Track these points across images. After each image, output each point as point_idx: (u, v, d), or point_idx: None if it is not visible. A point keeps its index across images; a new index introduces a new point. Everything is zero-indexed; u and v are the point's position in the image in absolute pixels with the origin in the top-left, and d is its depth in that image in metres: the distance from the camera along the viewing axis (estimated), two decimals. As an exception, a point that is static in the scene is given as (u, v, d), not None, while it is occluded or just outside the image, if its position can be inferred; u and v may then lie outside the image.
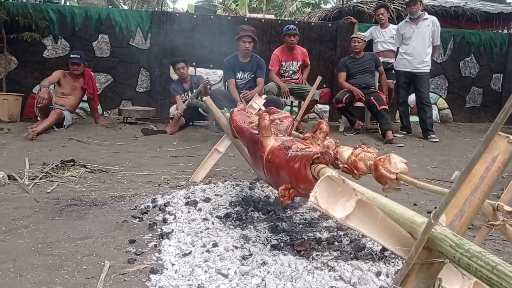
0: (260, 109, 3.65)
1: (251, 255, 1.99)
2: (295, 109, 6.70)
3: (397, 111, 6.68)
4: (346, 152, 2.01)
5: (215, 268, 1.89)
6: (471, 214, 1.24)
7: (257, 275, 1.83)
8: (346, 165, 2.05)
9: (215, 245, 2.11)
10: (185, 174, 3.74)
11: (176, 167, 4.04)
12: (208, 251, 2.05)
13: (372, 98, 5.88)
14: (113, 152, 4.63)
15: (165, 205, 2.76)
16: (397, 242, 1.22)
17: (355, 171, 1.91)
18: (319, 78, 3.45)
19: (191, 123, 6.25)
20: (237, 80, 5.43)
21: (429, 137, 5.96)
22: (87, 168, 3.80)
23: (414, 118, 6.64)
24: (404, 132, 6.27)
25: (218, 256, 2.01)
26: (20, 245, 2.19)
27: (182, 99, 6.00)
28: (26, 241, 2.25)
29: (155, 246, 2.20)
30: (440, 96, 7.84)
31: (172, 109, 7.10)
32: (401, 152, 5.20)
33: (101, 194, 3.08)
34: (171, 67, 7.04)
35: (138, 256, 2.09)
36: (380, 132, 6.00)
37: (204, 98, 3.71)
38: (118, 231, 2.42)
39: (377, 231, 1.19)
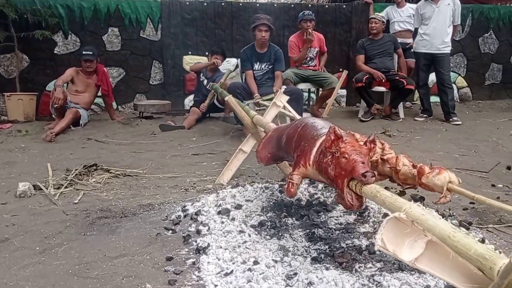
0: (284, 106, 3.57)
1: (295, 274, 1.93)
2: (313, 95, 6.59)
3: (417, 94, 6.55)
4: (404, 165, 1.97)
5: (260, 290, 1.85)
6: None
7: (304, 297, 1.78)
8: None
9: (256, 262, 2.06)
10: (210, 175, 3.69)
11: (199, 167, 3.98)
12: (249, 269, 2.00)
13: (397, 77, 5.79)
14: (133, 152, 4.59)
15: (196, 213, 2.72)
16: (468, 280, 1.15)
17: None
18: (345, 73, 3.35)
19: (207, 115, 6.17)
20: (254, 72, 5.31)
21: (451, 119, 5.83)
22: (110, 172, 3.76)
23: (433, 99, 6.49)
24: (425, 115, 6.14)
25: (260, 274, 1.96)
26: (57, 268, 2.16)
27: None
28: (62, 262, 2.22)
29: (194, 263, 2.15)
30: (459, 74, 7.66)
31: (187, 101, 7.03)
32: (424, 137, 5.10)
33: (129, 203, 3.04)
34: (183, 57, 6.95)
35: (178, 276, 2.05)
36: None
37: (227, 98, 3.63)
38: (153, 246, 2.37)
39: (448, 271, 1.13)
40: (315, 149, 2.03)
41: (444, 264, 1.12)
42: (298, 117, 3.44)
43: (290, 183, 2.14)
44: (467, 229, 2.51)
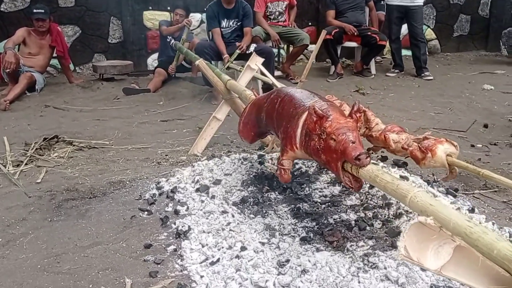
0: (259, 70, 3.35)
1: (287, 261, 1.81)
2: (282, 52, 6.35)
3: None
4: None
5: (251, 280, 1.72)
6: None
7: (299, 287, 1.67)
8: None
9: (243, 248, 1.92)
10: (183, 144, 3.49)
11: (170, 135, 3.77)
12: (237, 256, 1.87)
13: (369, 33, 5.61)
14: (97, 120, 4.29)
15: (172, 191, 2.54)
16: (496, 282, 1.04)
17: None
18: (323, 33, 3.14)
19: (173, 76, 5.86)
20: (222, 29, 5.01)
21: (423, 74, 5.77)
22: (74, 145, 3.49)
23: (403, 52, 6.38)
24: (396, 71, 6.05)
25: (249, 261, 1.84)
26: (23, 262, 1.96)
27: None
28: (28, 255, 2.02)
29: (175, 250, 2.00)
30: (428, 26, 7.55)
31: (150, 60, 6.66)
32: (398, 95, 5.02)
33: (98, 180, 2.82)
34: (144, 13, 6.52)
35: (159, 266, 1.90)
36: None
37: (197, 62, 3.37)
38: (129, 231, 2.20)
39: (476, 276, 1.01)
40: (298, 131, 1.86)
41: (472, 269, 1.01)
42: (273, 81, 3.24)
43: (282, 170, 1.98)
44: (454, 196, 2.45)
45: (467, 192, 2.56)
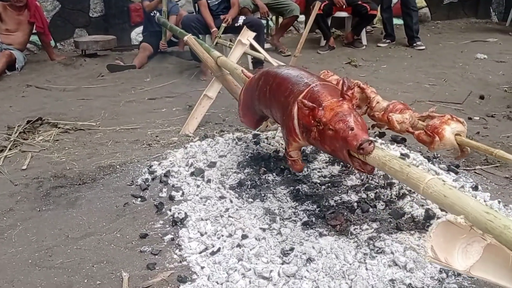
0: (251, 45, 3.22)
1: (291, 249, 1.74)
2: (271, 23, 6.17)
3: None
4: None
5: (254, 270, 1.65)
6: None
7: (305, 277, 1.60)
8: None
9: (244, 236, 1.84)
10: (173, 124, 3.36)
11: (159, 114, 3.63)
12: (238, 245, 1.79)
13: (360, 2, 5.45)
14: (81, 99, 4.13)
15: (165, 175, 2.44)
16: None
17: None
18: (317, 5, 3.00)
19: (159, 51, 5.66)
20: (208, 1, 4.80)
21: (415, 44, 5.65)
22: (59, 127, 3.35)
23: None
24: (388, 41, 5.92)
25: (251, 250, 1.76)
26: (13, 257, 1.87)
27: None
28: (18, 249, 1.93)
29: (172, 239, 1.92)
30: (418, -6, 7.38)
31: (134, 35, 6.43)
32: (391, 66, 4.92)
33: (86, 165, 2.70)
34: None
35: (157, 257, 1.82)
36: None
37: (186, 38, 3.21)
38: (122, 219, 2.11)
39: (507, 275, 0.94)
40: (295, 122, 1.77)
41: (502, 267, 0.94)
42: (266, 56, 3.11)
43: (292, 161, 1.93)
44: (456, 173, 2.39)
45: (468, 168, 2.50)
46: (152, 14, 5.50)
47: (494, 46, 5.66)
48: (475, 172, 2.46)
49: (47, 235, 2.01)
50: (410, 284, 1.59)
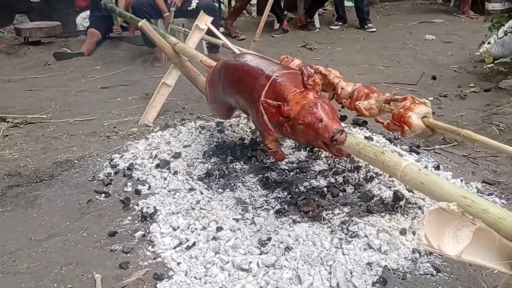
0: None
1: (269, 239, 1.73)
2: (223, 6, 6.07)
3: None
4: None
5: (232, 263, 1.63)
6: None
7: (285, 266, 1.60)
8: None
9: (219, 228, 1.81)
10: (130, 114, 3.25)
11: (114, 104, 3.50)
12: (214, 238, 1.76)
13: None
14: (29, 90, 3.90)
15: (129, 168, 2.36)
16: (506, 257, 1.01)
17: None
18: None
19: (107, 36, 5.43)
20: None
21: (366, 26, 5.74)
22: (7, 121, 3.15)
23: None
24: (340, 23, 5.98)
25: (227, 242, 1.74)
26: (-28, 264, 1.74)
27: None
28: (-23, 255, 1.80)
29: (144, 236, 1.86)
30: (366, -25, 7.47)
31: (80, 20, 6.12)
32: (345, 48, 4.97)
33: (42, 161, 2.56)
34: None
35: (129, 255, 1.76)
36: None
37: (140, 24, 3.08)
38: (87, 217, 2.02)
39: (494, 256, 0.97)
40: (266, 118, 1.76)
41: (491, 250, 0.97)
42: (225, 42, 3.04)
43: (272, 152, 1.93)
44: (418, 153, 2.46)
45: (428, 148, 2.58)
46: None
47: (440, 26, 5.85)
48: (435, 152, 2.54)
49: (8, 238, 1.89)
50: (386, 266, 1.62)
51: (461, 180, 2.14)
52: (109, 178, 2.31)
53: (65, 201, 2.15)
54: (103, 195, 2.18)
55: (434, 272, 1.60)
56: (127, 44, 5.27)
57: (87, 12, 5.76)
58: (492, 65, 3.96)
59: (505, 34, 3.73)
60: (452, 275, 1.59)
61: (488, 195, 2.07)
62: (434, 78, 3.80)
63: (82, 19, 6.06)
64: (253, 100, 1.82)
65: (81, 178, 2.35)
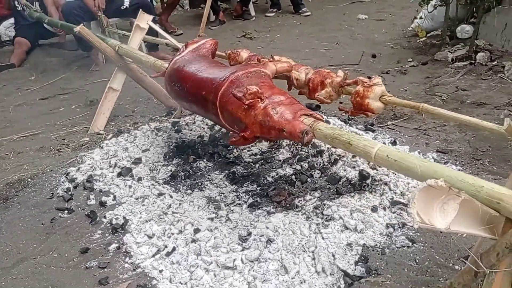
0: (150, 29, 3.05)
1: (249, 234, 1.73)
2: (155, 2, 5.91)
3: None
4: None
5: (216, 263, 1.63)
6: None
7: (270, 259, 1.62)
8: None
9: (196, 230, 1.79)
10: (78, 123, 3.11)
11: (58, 115, 3.34)
12: (193, 240, 1.74)
13: None
14: (-41, 109, 3.64)
15: (88, 180, 2.27)
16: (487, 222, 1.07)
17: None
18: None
19: (37, 44, 5.15)
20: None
21: (300, 11, 5.82)
22: None
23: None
24: (275, 10, 6.03)
25: (207, 243, 1.73)
26: None
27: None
28: None
29: (118, 248, 1.80)
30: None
31: (3, 29, 5.74)
32: (284, 35, 5.02)
33: (-9, 184, 2.41)
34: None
35: (106, 270, 1.71)
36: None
37: (77, 29, 2.94)
38: (54, 237, 1.93)
39: (477, 223, 1.04)
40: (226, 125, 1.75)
41: (474, 218, 1.03)
42: (170, 40, 2.96)
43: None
44: (373, 131, 2.55)
45: (381, 125, 2.68)
46: (19, 8, 4.92)
47: (370, 5, 6.03)
48: (388, 128, 2.64)
49: (-29, 270, 1.78)
50: (364, 244, 1.68)
51: (419, 152, 2.25)
52: (69, 193, 2.21)
53: (27, 222, 2.04)
54: (66, 211, 2.08)
55: (410, 244, 1.67)
56: (59, 51, 5.03)
57: (11, 21, 5.41)
58: (425, 38, 4.16)
59: (435, 8, 3.91)
60: (426, 244, 1.68)
61: (445, 163, 2.19)
62: (374, 56, 3.93)
63: (6, 28, 5.68)
64: (216, 115, 1.77)
65: (39, 197, 2.23)
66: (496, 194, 1.02)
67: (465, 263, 1.41)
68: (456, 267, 1.56)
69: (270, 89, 1.65)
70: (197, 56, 2.12)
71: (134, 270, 1.68)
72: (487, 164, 2.17)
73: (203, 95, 1.79)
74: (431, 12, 4.06)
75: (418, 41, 4.16)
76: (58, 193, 2.23)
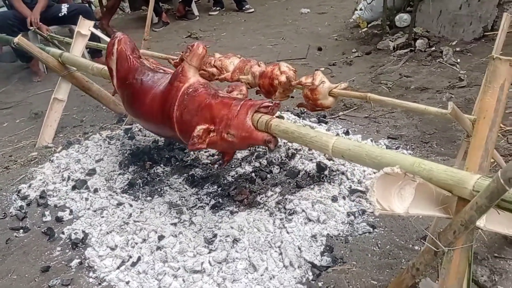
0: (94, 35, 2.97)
1: (215, 236, 1.73)
2: (93, 6, 5.74)
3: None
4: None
5: (184, 268, 1.62)
6: (492, 151, 1.20)
7: (237, 258, 1.62)
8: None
9: (161, 237, 1.77)
10: (24, 138, 2.99)
11: (2, 131, 3.19)
12: (158, 248, 1.72)
13: None
14: None
15: (41, 196, 2.19)
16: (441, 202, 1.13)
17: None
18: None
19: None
20: (21, -8, 4.21)
21: (244, 8, 5.83)
22: None
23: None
24: (218, 8, 6.00)
25: (173, 249, 1.71)
26: None
27: None
28: None
29: (81, 263, 1.75)
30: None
31: None
32: (229, 33, 5.02)
33: None
34: None
35: (71, 287, 1.65)
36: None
37: (16, 40, 2.80)
38: (12, 258, 1.85)
39: (433, 204, 1.09)
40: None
41: (429, 200, 1.08)
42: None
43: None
44: (326, 123, 2.61)
45: (333, 116, 2.74)
46: None
47: (311, -1, 6.14)
48: (340, 118, 2.71)
49: None
50: (328, 234, 1.73)
51: (371, 140, 2.32)
52: (23, 211, 2.12)
53: (-21, 247, 1.94)
54: (22, 230, 2.00)
55: (371, 230, 1.73)
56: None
57: None
58: (366, 29, 4.29)
59: (373, -1, 4.04)
60: (386, 228, 1.74)
61: (396, 148, 2.27)
62: (320, 49, 4.01)
63: None
64: (182, 137, 1.81)
65: (-11, 219, 2.13)
66: (447, 176, 1.08)
67: (424, 243, 1.48)
68: (416, 247, 1.63)
69: (210, 109, 1.67)
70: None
71: (100, 284, 1.64)
72: (435, 146, 2.27)
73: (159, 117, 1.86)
74: (370, 3, 4.19)
75: (360, 32, 4.28)
76: (11, 212, 2.13)
